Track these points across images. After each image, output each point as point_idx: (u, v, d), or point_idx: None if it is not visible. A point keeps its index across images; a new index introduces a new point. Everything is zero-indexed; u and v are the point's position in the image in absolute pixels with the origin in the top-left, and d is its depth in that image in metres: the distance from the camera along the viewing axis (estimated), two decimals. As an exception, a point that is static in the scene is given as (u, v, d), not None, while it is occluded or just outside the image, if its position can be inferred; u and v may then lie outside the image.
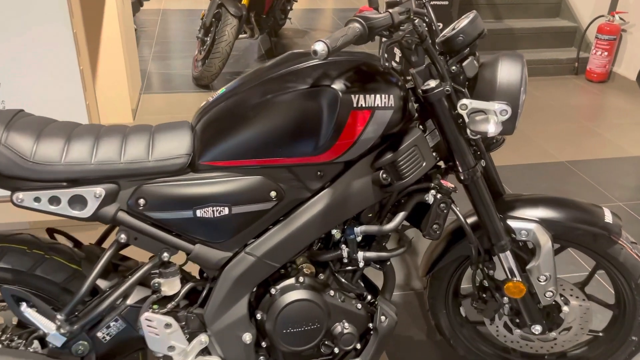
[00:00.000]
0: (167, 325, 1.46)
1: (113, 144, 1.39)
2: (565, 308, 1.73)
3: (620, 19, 4.87)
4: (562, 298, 1.73)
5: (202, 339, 1.52)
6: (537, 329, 1.71)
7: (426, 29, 1.40)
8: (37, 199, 1.34)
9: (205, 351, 1.55)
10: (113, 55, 3.72)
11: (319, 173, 1.44)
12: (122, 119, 3.88)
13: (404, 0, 1.38)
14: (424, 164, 1.46)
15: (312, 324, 1.54)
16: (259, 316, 1.55)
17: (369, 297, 1.65)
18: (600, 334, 1.86)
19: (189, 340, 1.52)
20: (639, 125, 4.21)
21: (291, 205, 1.46)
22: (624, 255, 1.65)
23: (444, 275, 1.82)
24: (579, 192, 3.26)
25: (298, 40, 6.09)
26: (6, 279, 1.45)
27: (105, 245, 1.56)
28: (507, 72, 1.42)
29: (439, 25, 1.51)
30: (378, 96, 1.37)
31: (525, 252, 1.66)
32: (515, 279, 1.62)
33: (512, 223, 1.61)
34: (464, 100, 1.39)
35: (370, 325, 1.64)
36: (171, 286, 1.45)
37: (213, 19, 4.63)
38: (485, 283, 1.73)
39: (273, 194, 1.42)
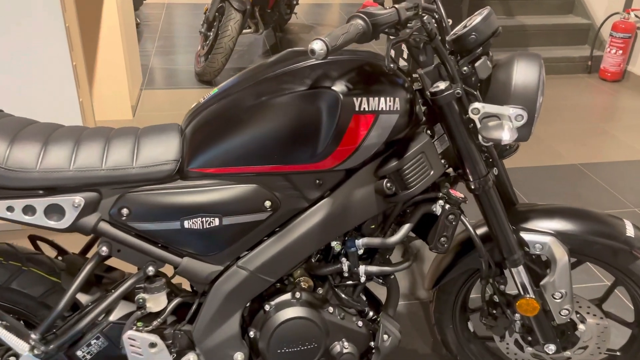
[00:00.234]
0: (152, 345, 1.37)
1: (94, 148, 1.29)
2: (581, 326, 1.63)
3: (636, 16, 4.81)
4: (578, 315, 1.63)
5: (191, 358, 1.43)
6: (551, 348, 1.62)
7: (435, 26, 1.31)
8: (9, 208, 1.25)
9: (193, 371, 1.46)
10: (112, 50, 3.63)
11: (317, 181, 1.35)
12: (120, 116, 3.79)
13: (412, -6, 1.27)
14: (432, 173, 1.37)
15: (309, 343, 1.45)
16: (251, 334, 1.46)
17: (371, 313, 1.56)
18: (618, 353, 1.76)
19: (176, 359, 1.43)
20: (655, 126, 4.10)
21: (287, 215, 1.37)
22: (646, 272, 1.54)
23: (451, 288, 1.73)
24: (591, 196, 3.16)
25: (304, 35, 5.99)
26: (-22, 292, 1.35)
27: (91, 254, 1.46)
28: (524, 73, 1.32)
29: (449, 22, 1.40)
30: (382, 99, 1.29)
31: (539, 266, 1.57)
32: (528, 295, 1.53)
33: (526, 236, 1.52)
34: (476, 104, 1.30)
35: (372, 344, 1.55)
36: (157, 302, 1.36)
37: (216, 14, 4.56)
38: (496, 298, 1.64)
39: (268, 203, 1.33)
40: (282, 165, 1.30)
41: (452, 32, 1.35)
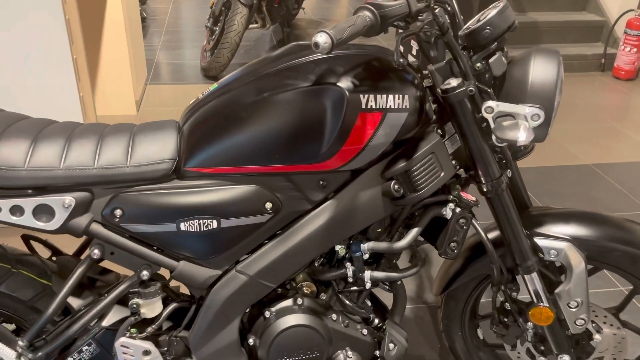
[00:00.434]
0: (146, 352, 1.31)
1: (86, 146, 1.23)
2: (597, 336, 1.56)
3: (651, 13, 4.71)
4: (593, 325, 1.56)
5: (187, 366, 1.36)
6: (565, 359, 1.54)
7: (448, 19, 1.24)
8: None
9: (190, 379, 1.40)
10: (116, 45, 3.58)
11: (321, 182, 1.29)
12: (124, 111, 3.75)
13: (423, -15, 1.20)
14: (442, 174, 1.30)
15: (311, 352, 1.40)
16: (251, 341, 1.41)
17: (376, 320, 1.50)
18: (635, 365, 1.68)
19: (172, 367, 1.37)
20: (670, 126, 4.02)
21: (289, 218, 1.32)
22: (666, 281, 1.47)
23: (460, 294, 1.67)
24: (605, 197, 3.09)
25: (312, 31, 5.93)
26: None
27: (85, 256, 1.41)
28: (541, 70, 1.26)
29: (461, 17, 1.33)
30: (391, 96, 1.23)
31: (553, 272, 1.50)
32: (542, 304, 1.46)
33: (540, 241, 1.45)
34: (490, 102, 1.23)
35: (377, 353, 1.49)
36: (151, 308, 1.30)
37: (223, 8, 4.52)
38: (507, 306, 1.57)
39: (268, 205, 1.28)
40: (284, 165, 1.24)
41: (465, 26, 1.29)
